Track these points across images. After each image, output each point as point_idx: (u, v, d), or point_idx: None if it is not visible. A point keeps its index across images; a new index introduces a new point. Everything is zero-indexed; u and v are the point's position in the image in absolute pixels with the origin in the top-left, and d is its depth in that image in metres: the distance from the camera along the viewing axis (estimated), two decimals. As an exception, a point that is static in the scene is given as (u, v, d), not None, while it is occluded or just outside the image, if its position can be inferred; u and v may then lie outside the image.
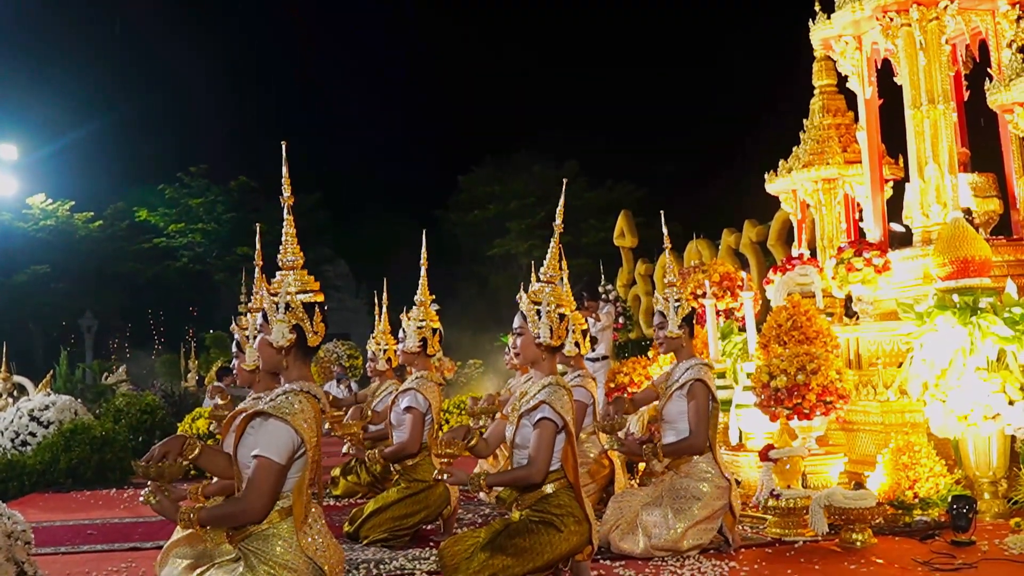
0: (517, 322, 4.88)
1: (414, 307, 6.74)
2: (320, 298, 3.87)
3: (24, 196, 29.36)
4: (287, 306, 3.77)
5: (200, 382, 19.63)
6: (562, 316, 4.81)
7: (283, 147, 4.05)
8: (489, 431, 5.13)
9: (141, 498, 3.83)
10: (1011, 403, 5.89)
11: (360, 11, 39.51)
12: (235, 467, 3.78)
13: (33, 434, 10.43)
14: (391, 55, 41.21)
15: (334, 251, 36.42)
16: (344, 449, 6.92)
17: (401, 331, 6.78)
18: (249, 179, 32.45)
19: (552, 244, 4.98)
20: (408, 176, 35.41)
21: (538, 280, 4.92)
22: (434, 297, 6.76)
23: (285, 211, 3.96)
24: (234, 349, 5.90)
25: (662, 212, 6.86)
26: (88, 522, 7.52)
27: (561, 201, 5.02)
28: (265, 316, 3.83)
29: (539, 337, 4.73)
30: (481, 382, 15.76)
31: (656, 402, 6.17)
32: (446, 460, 4.66)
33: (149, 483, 3.79)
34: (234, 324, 5.90)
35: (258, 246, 5.77)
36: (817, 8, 8.31)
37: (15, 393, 13.16)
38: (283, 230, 3.96)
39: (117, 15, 32.97)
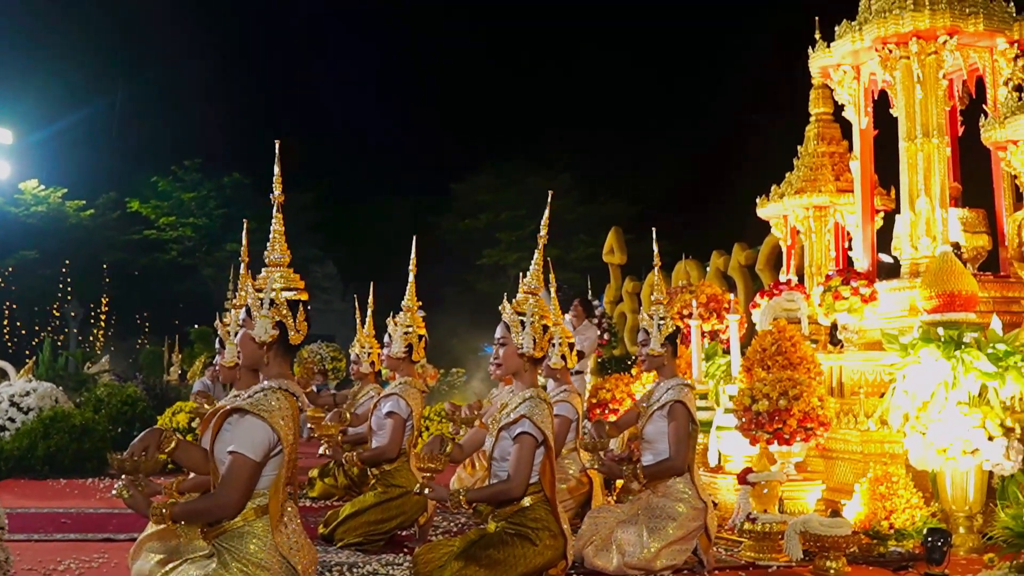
0: (500, 332, 4.89)
1: (401, 312, 6.74)
2: (304, 296, 3.89)
3: (17, 180, 29.24)
4: (271, 302, 3.78)
5: (183, 376, 19.55)
6: (545, 328, 4.82)
7: (276, 145, 4.07)
8: (466, 438, 5.16)
9: (113, 491, 3.83)
10: (990, 439, 5.91)
11: (359, 13, 39.52)
12: (211, 463, 3.79)
13: (12, 419, 10.37)
14: (389, 58, 41.23)
15: (323, 252, 36.34)
16: (321, 450, 6.90)
17: (387, 336, 6.78)
18: (242, 175, 32.40)
19: (536, 255, 5.00)
20: (401, 180, 35.37)
21: (522, 291, 4.93)
22: (421, 303, 6.76)
23: (275, 209, 3.97)
24: (217, 345, 5.89)
25: (653, 229, 6.88)
26: (63, 511, 7.49)
27: (546, 213, 5.05)
28: (249, 311, 3.84)
29: (522, 348, 4.74)
30: (464, 391, 15.72)
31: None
32: (428, 475, 4.67)
33: (123, 477, 3.78)
34: (218, 320, 5.90)
35: (244, 242, 5.76)
36: (817, 36, 8.36)
37: (-4, 378, 13.08)
38: (271, 227, 3.97)
39: (114, 2, 32.84)
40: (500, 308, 4.92)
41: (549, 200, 5.12)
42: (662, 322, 5.91)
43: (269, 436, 3.61)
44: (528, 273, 4.97)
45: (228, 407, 3.75)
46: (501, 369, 4.91)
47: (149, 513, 3.67)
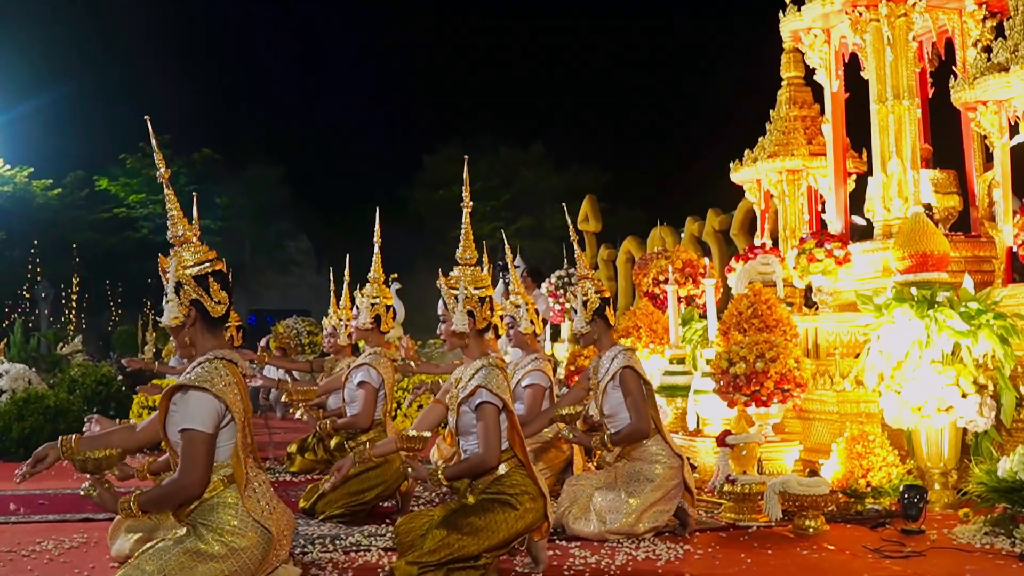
0: (440, 309, 4.87)
1: (367, 284, 6.75)
2: (219, 267, 3.84)
3: (-18, 161, 28.82)
4: (177, 285, 3.74)
5: (158, 354, 19.40)
6: (483, 299, 4.79)
7: (148, 122, 4.00)
8: (417, 421, 5.15)
9: (82, 492, 3.80)
10: (964, 396, 5.98)
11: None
12: (168, 446, 3.77)
13: (-15, 402, 10.26)
14: (361, 32, 40.89)
15: (297, 226, 36.12)
16: (298, 415, 6.94)
17: (355, 308, 6.79)
18: (212, 151, 32.08)
19: (464, 224, 4.98)
20: (374, 153, 35.21)
21: (457, 263, 4.90)
22: (396, 275, 6.77)
23: (164, 187, 3.89)
24: None
25: (564, 203, 6.81)
26: (40, 492, 7.43)
27: (465, 174, 5.04)
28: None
29: (454, 326, 4.72)
30: (441, 361, 15.71)
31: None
32: (410, 454, 4.66)
33: (88, 476, 3.76)
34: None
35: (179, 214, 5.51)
36: (788, 0, 8.35)
37: (-33, 360, 12.93)
38: (167, 207, 3.90)
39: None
40: (437, 284, 4.90)
41: (466, 163, 5.11)
42: (585, 299, 5.87)
43: (216, 406, 3.62)
44: (460, 245, 4.94)
45: (169, 387, 3.75)
46: (447, 345, 4.89)
47: (118, 509, 3.66)
